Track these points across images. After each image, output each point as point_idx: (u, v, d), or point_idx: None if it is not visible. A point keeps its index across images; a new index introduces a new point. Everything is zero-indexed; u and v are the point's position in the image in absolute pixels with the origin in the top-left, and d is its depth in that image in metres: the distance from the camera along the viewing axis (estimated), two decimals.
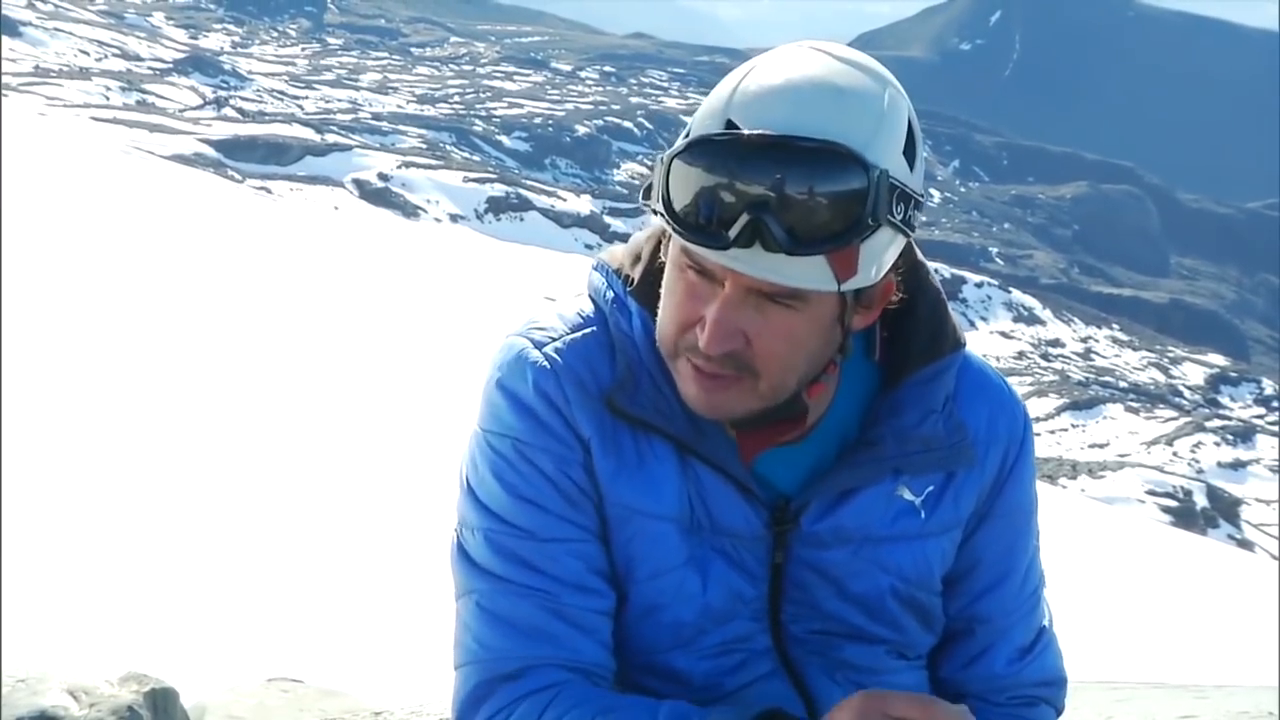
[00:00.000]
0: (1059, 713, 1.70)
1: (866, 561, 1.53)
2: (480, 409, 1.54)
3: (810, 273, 1.33)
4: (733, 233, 1.31)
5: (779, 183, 1.29)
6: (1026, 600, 1.65)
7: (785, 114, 1.32)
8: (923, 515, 1.54)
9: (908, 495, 1.53)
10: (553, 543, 1.49)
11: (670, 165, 1.35)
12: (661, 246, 1.49)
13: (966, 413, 1.57)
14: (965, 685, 1.66)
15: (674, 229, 1.36)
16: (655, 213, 1.40)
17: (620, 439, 1.49)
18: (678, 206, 1.34)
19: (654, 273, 1.51)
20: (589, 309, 1.56)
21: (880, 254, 1.37)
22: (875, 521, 1.53)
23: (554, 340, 1.52)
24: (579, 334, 1.52)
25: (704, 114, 1.38)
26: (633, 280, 1.53)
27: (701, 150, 1.33)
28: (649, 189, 1.40)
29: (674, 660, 1.54)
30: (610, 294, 1.54)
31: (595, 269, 1.57)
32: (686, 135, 1.38)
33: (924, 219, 1.44)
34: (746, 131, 1.32)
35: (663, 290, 1.45)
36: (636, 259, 1.55)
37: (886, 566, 1.54)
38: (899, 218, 1.35)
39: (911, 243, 1.50)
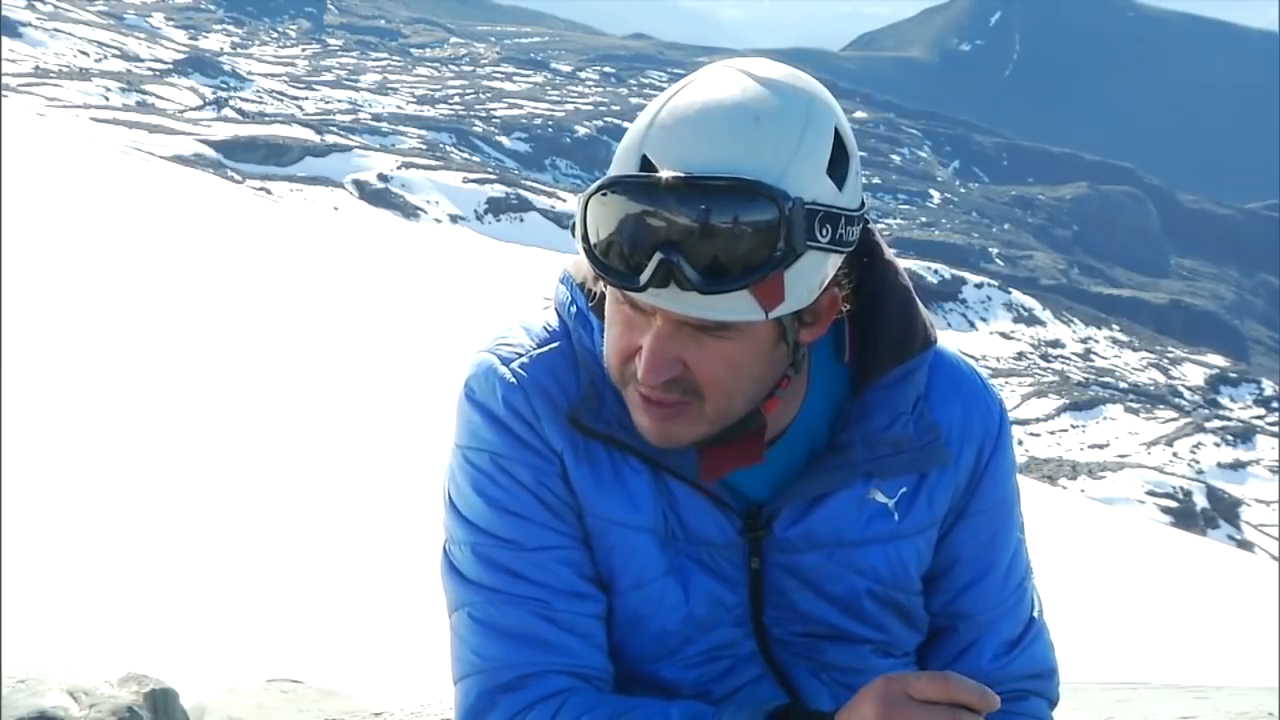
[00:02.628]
0: (1052, 704, 1.68)
1: (841, 565, 1.54)
2: (456, 425, 1.55)
3: (733, 305, 1.32)
4: (644, 275, 1.30)
5: (688, 223, 1.28)
6: (1011, 594, 1.64)
7: (697, 149, 1.30)
8: (896, 517, 1.54)
9: (880, 498, 1.53)
10: (540, 551, 1.49)
11: (587, 204, 1.34)
12: None
13: (939, 412, 1.56)
14: None
15: (594, 268, 1.35)
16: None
17: (594, 452, 1.50)
18: (594, 246, 1.33)
19: None
20: (555, 322, 1.56)
21: (809, 277, 1.35)
22: (848, 526, 1.53)
23: (520, 356, 1.52)
24: (545, 349, 1.53)
25: (624, 147, 1.36)
26: (595, 295, 1.51)
27: (613, 191, 1.32)
28: (574, 226, 1.38)
29: (661, 670, 1.55)
30: (574, 308, 1.54)
31: (561, 281, 1.57)
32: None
33: (859, 233, 1.38)
34: (652, 174, 1.30)
35: (605, 319, 1.44)
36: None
37: (861, 569, 1.54)
38: (825, 240, 1.32)
39: (879, 243, 1.50)
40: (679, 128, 1.33)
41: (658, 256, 1.29)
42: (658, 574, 1.51)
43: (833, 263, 1.38)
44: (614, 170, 1.36)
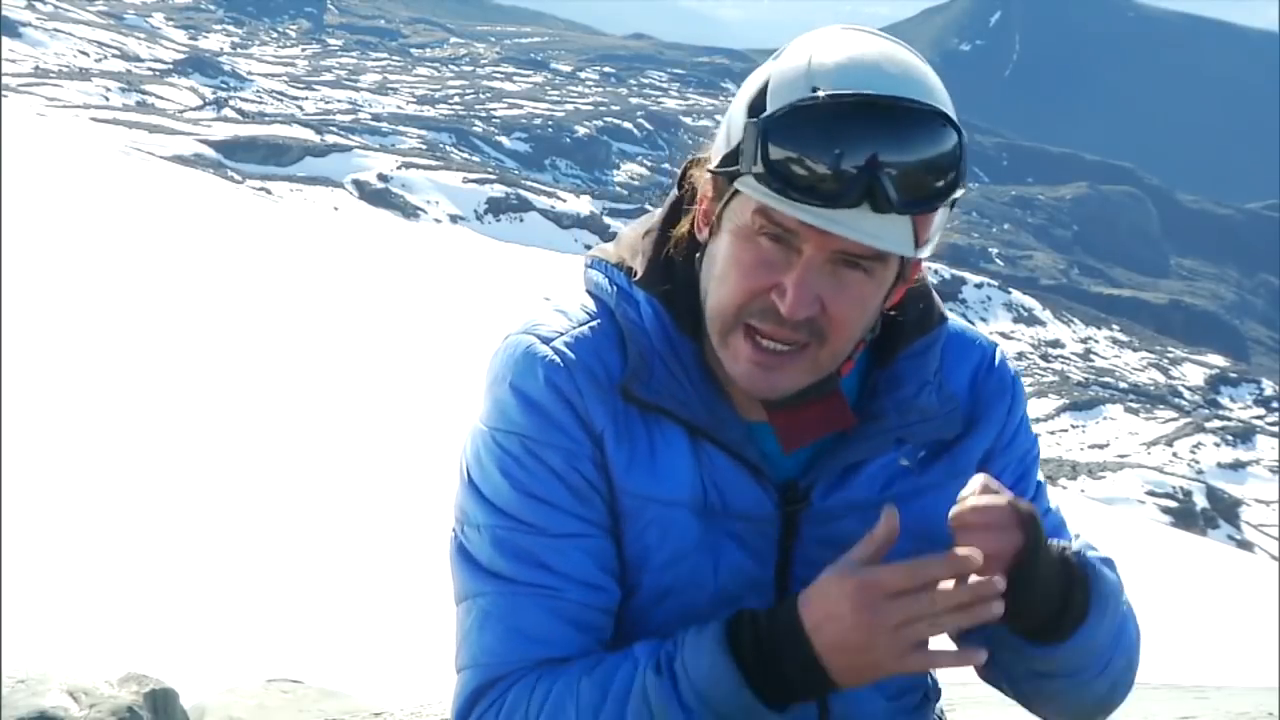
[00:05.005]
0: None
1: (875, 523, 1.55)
2: (485, 408, 1.54)
3: (900, 236, 1.39)
4: (848, 193, 1.34)
5: (893, 145, 1.34)
6: (1049, 521, 1.64)
7: (876, 82, 1.36)
8: (917, 472, 1.57)
9: (904, 462, 1.57)
10: (563, 538, 1.49)
11: (767, 129, 1.36)
12: (704, 219, 1.50)
13: (955, 383, 1.61)
14: None
15: (771, 191, 1.37)
16: (726, 175, 1.41)
17: (633, 428, 1.51)
18: (784, 169, 1.36)
19: (661, 263, 1.54)
20: (590, 304, 1.57)
21: (943, 222, 1.44)
22: (879, 488, 1.56)
23: (561, 335, 1.53)
24: (584, 327, 1.54)
25: (781, 84, 1.39)
26: (635, 272, 1.55)
27: (810, 113, 1.35)
28: (731, 155, 1.41)
29: None
30: (613, 287, 1.55)
31: (591, 267, 1.59)
32: (756, 107, 1.39)
33: None
34: (868, 94, 1.35)
35: (720, 262, 1.46)
36: (634, 252, 1.57)
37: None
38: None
39: None
40: (849, 66, 1.38)
41: (866, 175, 1.33)
42: (691, 549, 1.52)
43: (946, 215, 1.45)
44: (777, 101, 1.38)
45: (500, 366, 1.54)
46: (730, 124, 1.45)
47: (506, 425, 1.51)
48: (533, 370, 1.51)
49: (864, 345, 1.52)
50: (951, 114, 1.40)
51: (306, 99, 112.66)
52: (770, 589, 1.55)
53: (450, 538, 1.56)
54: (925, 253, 1.44)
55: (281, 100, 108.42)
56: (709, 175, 1.48)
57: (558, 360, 1.50)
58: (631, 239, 1.60)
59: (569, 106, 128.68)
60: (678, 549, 1.52)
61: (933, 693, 1.69)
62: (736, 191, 1.42)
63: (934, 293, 1.61)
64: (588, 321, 1.54)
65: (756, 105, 1.40)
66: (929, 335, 1.59)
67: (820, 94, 1.36)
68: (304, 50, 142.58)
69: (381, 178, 76.92)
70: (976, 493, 1.41)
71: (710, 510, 1.52)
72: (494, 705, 1.49)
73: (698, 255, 1.53)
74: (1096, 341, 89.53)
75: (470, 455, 1.55)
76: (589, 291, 1.58)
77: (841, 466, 1.53)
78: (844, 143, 1.34)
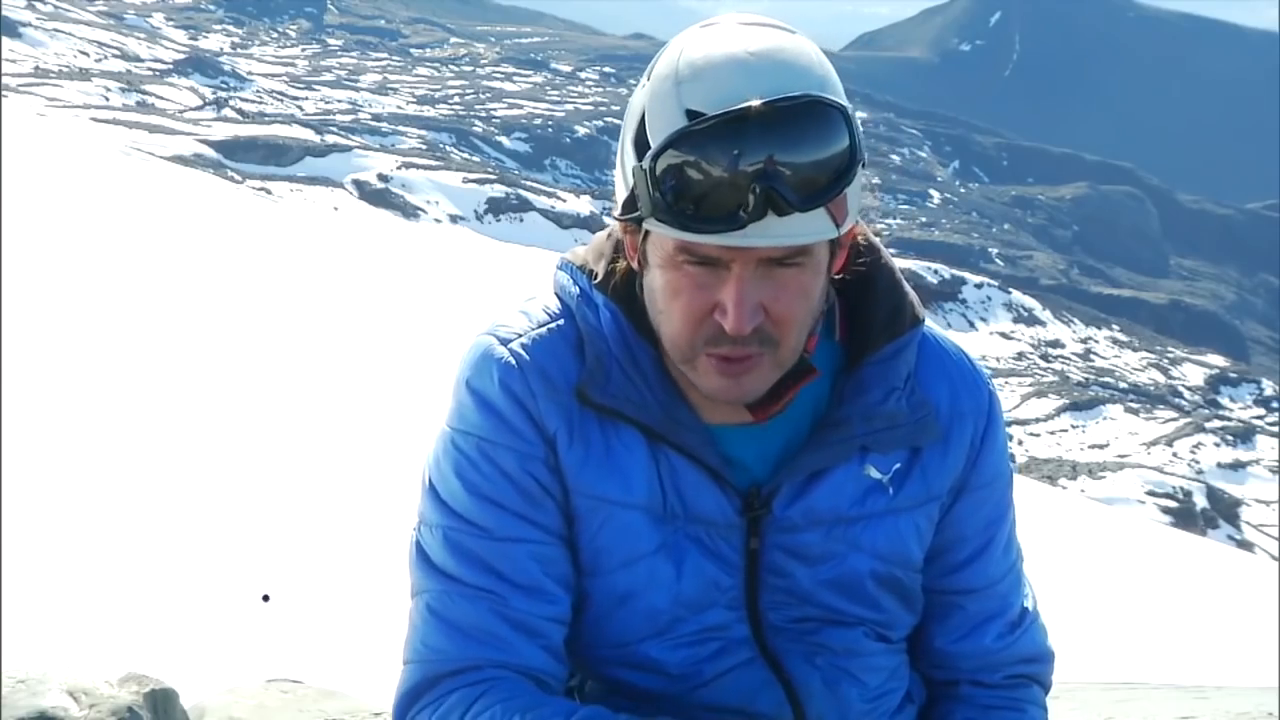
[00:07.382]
0: (1047, 690, 1.71)
1: (840, 542, 1.54)
2: (450, 407, 1.56)
3: (817, 225, 1.35)
4: (745, 211, 1.31)
5: (778, 148, 1.30)
6: (1010, 571, 1.67)
7: (745, 86, 1.32)
8: (890, 491, 1.54)
9: (874, 474, 1.54)
10: (509, 542, 1.49)
11: (653, 168, 1.33)
12: (631, 251, 1.48)
13: (929, 389, 1.57)
14: (959, 660, 1.67)
15: (675, 228, 1.35)
16: (632, 220, 1.39)
17: (588, 430, 1.50)
18: (678, 204, 1.33)
19: (619, 270, 1.53)
20: (555, 306, 1.57)
21: (858, 192, 1.40)
22: (846, 502, 1.53)
23: (519, 336, 1.53)
24: (544, 329, 1.54)
25: (656, 114, 1.36)
26: (598, 275, 1.55)
27: (687, 143, 1.32)
28: (628, 202, 1.38)
29: (649, 649, 1.55)
30: (575, 290, 1.56)
31: (560, 268, 1.60)
32: (641, 143, 1.36)
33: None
34: (724, 110, 1.30)
35: (659, 296, 1.44)
36: (599, 255, 1.57)
37: (860, 545, 1.55)
38: (865, 154, 1.38)
39: (861, 223, 1.52)
40: (715, 74, 1.34)
41: (755, 190, 1.30)
42: (648, 551, 1.51)
43: (862, 180, 1.41)
44: (656, 136, 1.34)
45: (462, 367, 1.55)
46: (623, 163, 1.41)
47: (464, 425, 1.52)
48: (488, 371, 1.51)
49: (823, 317, 1.49)
50: (830, 93, 1.34)
51: (306, 99, 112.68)
52: (739, 598, 1.54)
53: (411, 537, 1.58)
54: (848, 224, 1.40)
55: (281, 100, 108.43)
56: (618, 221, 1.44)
57: (512, 361, 1.51)
58: (599, 241, 1.59)
59: (569, 106, 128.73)
60: (633, 551, 1.51)
61: (915, 694, 1.68)
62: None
63: (908, 294, 1.58)
64: (548, 323, 1.55)
65: (640, 141, 1.37)
66: (898, 340, 1.55)
67: (691, 121, 1.31)
68: (304, 50, 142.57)
69: (381, 178, 76.97)
70: None
71: (671, 514, 1.51)
72: (430, 706, 1.49)
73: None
74: (1096, 341, 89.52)
75: (431, 456, 1.57)
76: (555, 293, 1.59)
77: (805, 473, 1.51)
78: (729, 163, 1.30)
